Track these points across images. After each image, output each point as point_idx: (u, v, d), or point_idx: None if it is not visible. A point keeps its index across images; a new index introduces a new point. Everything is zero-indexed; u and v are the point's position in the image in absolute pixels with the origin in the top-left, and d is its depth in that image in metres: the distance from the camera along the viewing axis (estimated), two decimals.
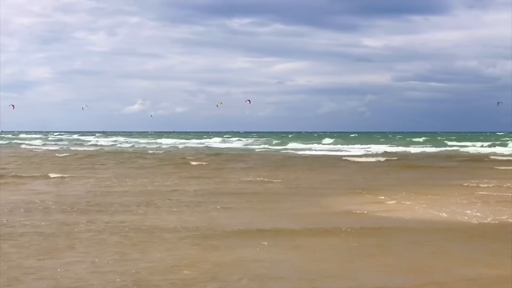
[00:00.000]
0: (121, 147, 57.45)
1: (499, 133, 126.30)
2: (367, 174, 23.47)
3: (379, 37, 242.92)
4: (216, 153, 42.23)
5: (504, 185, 18.07)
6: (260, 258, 8.30)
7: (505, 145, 54.41)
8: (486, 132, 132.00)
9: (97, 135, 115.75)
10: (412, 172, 24.75)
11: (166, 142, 70.59)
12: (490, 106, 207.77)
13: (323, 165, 29.41)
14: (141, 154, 40.38)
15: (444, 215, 12.27)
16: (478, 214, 12.30)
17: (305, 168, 26.85)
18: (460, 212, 12.50)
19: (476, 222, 11.40)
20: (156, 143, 67.46)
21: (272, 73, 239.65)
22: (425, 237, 9.92)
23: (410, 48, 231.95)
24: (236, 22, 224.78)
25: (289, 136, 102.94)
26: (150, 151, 44.92)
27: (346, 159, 34.31)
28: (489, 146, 53.56)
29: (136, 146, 59.56)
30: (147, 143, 67.29)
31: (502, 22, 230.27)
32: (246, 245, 9.11)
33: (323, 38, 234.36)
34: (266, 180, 20.21)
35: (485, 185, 18.01)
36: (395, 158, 35.60)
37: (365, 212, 12.68)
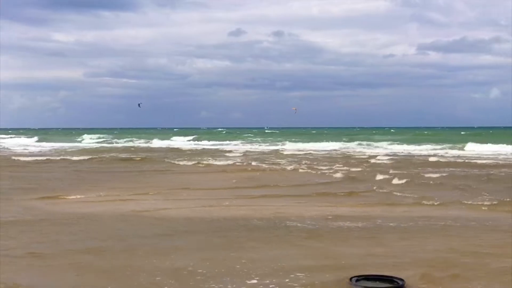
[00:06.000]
0: None
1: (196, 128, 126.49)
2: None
3: (70, 32, 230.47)
4: None
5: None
6: None
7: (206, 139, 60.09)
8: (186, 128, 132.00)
9: None
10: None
11: None
12: (181, 103, 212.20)
13: None
14: None
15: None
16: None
17: None
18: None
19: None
20: None
21: None
22: None
23: (102, 44, 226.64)
24: None
25: None
26: None
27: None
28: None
29: None
30: None
31: (191, 21, 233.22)
32: None
33: (11, 31, 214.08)
34: None
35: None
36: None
37: None
